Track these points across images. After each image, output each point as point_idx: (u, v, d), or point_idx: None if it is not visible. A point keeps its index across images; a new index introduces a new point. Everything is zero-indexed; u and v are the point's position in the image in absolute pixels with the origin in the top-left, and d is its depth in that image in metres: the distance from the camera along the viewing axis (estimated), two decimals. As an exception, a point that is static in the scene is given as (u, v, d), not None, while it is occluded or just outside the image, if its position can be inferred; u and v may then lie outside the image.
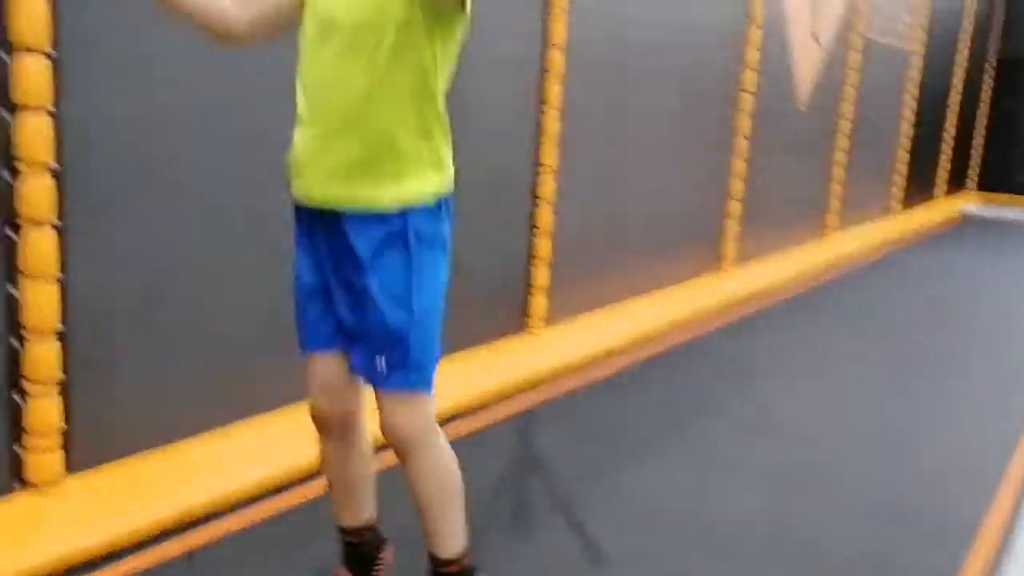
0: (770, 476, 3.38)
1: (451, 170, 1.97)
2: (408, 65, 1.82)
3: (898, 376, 4.86)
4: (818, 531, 2.97)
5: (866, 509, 3.15)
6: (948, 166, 12.09)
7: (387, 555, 2.31)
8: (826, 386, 4.56)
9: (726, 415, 4.04)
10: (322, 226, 1.93)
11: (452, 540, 2.08)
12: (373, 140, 1.83)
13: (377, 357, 1.91)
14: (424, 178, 1.89)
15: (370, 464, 2.22)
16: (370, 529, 2.26)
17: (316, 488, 2.87)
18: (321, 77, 1.86)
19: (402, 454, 1.99)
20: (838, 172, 8.38)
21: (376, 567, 2.28)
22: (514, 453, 2.95)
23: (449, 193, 1.97)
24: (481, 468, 2.96)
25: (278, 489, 2.98)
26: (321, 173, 1.88)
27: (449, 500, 2.05)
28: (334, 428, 2.10)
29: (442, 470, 2.02)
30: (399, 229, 1.86)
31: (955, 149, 12.16)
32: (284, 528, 2.78)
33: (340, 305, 1.96)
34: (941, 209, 11.56)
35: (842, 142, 8.33)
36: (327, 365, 2.03)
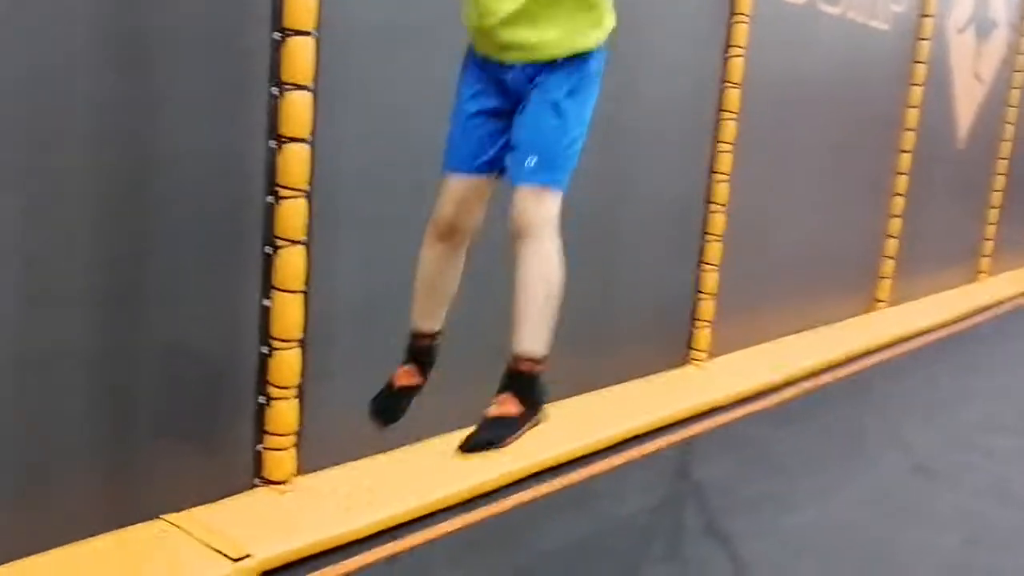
0: (944, 521, 3.37)
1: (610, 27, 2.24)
2: None
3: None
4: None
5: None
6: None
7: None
8: (982, 430, 4.51)
9: (882, 454, 4.04)
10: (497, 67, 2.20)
11: (535, 337, 2.15)
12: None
13: (529, 156, 2.14)
14: (586, 33, 2.18)
15: (459, 282, 2.43)
16: (440, 333, 2.47)
17: (523, 496, 3.03)
18: None
19: (523, 237, 2.14)
20: (993, 214, 8.16)
21: (427, 375, 2.48)
22: (674, 481, 3.03)
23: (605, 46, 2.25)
24: (642, 494, 3.07)
25: (486, 495, 3.15)
26: (496, 22, 2.13)
27: (545, 296, 2.14)
28: (455, 236, 2.32)
29: (548, 264, 2.13)
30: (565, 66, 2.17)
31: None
32: (482, 534, 2.93)
33: (501, 122, 2.24)
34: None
35: (999, 183, 8.11)
36: (469, 185, 2.29)
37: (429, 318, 2.46)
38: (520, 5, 2.08)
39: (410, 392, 2.46)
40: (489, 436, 2.09)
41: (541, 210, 2.13)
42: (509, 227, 2.14)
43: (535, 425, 2.16)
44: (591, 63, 2.21)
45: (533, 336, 2.14)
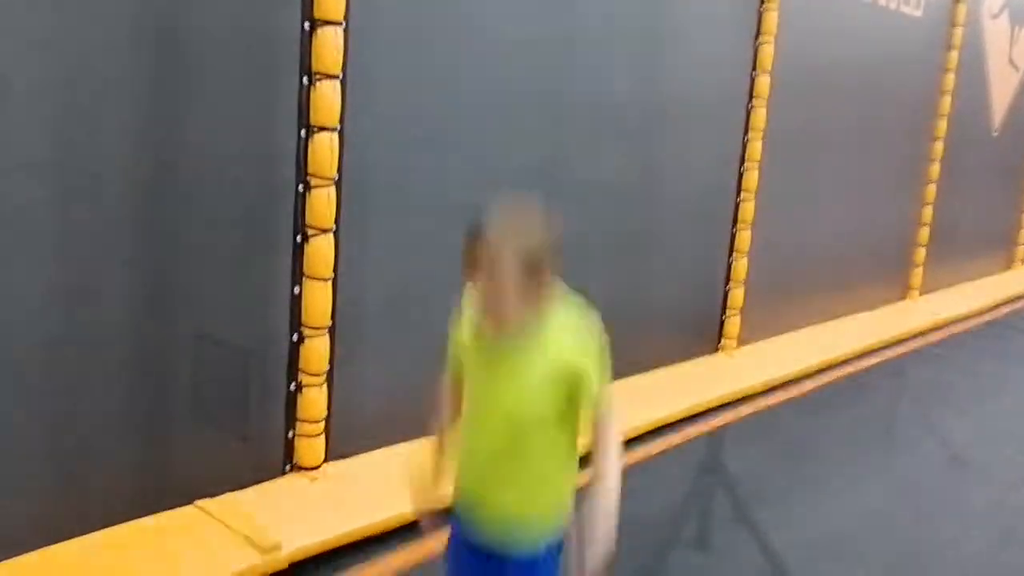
0: (977, 515, 3.33)
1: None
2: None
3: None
4: None
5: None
6: None
7: None
8: (1017, 420, 4.45)
9: (915, 444, 4.00)
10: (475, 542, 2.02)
11: None
12: (529, 485, 1.93)
13: None
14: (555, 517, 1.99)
15: None
16: None
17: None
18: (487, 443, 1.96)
19: None
20: (1029, 201, 8.04)
21: None
22: (704, 470, 3.01)
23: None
24: (671, 483, 3.06)
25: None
26: (484, 515, 1.97)
27: None
28: None
29: None
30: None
31: None
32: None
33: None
34: None
35: (1034, 170, 7.98)
36: None
37: None
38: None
39: None
40: None
41: None
42: None
43: None
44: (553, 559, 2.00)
45: None
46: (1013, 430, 4.33)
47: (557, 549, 2.02)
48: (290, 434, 2.98)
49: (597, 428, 1.91)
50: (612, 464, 1.89)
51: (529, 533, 1.98)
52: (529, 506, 1.98)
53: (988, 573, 2.94)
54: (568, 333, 1.89)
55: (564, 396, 1.87)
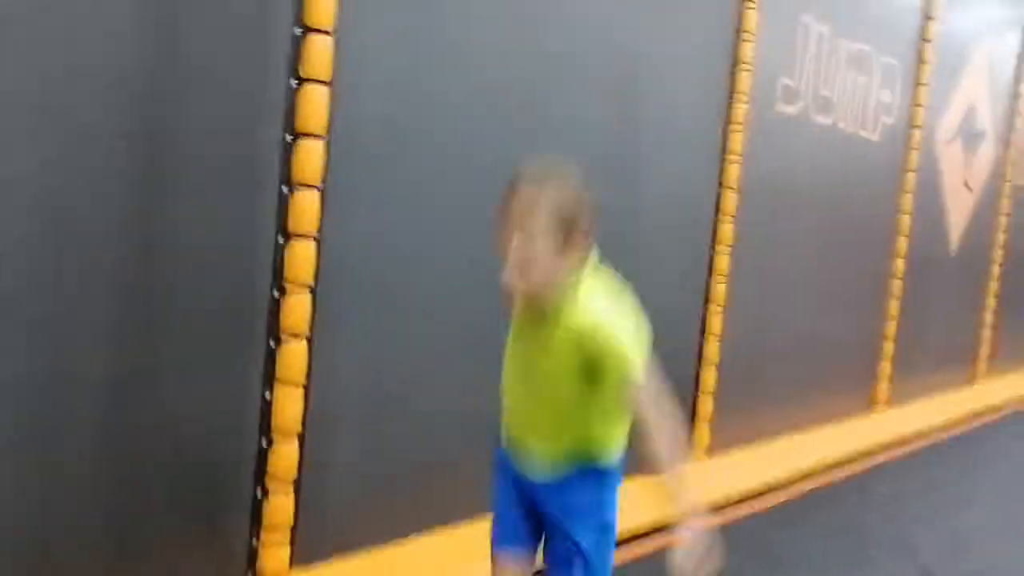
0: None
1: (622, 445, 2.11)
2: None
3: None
4: None
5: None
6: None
7: None
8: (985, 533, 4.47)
9: (887, 558, 4.00)
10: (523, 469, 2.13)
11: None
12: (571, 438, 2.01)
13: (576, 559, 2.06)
14: (607, 451, 2.06)
15: None
16: None
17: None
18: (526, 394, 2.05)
19: None
20: (988, 318, 8.24)
21: None
22: None
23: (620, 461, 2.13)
24: None
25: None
26: (530, 452, 2.07)
27: None
28: None
29: None
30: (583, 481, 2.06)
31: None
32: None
33: (529, 507, 2.16)
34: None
35: (992, 287, 8.22)
36: (515, 559, 2.19)
37: None
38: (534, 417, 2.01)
39: None
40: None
41: None
42: None
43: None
44: (607, 487, 2.09)
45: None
46: (982, 541, 4.34)
47: (600, 475, 2.02)
48: (254, 541, 2.93)
49: (637, 412, 1.86)
50: (662, 447, 1.82)
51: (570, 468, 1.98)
52: (571, 455, 1.98)
53: None
54: (596, 303, 1.81)
55: (587, 364, 1.82)
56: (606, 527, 2.14)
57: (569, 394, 1.91)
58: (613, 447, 2.08)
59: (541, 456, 2.07)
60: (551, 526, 2.14)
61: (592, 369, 1.85)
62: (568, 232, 1.76)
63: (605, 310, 1.84)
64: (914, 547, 4.14)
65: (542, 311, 1.87)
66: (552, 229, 1.74)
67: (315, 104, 2.82)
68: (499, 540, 2.22)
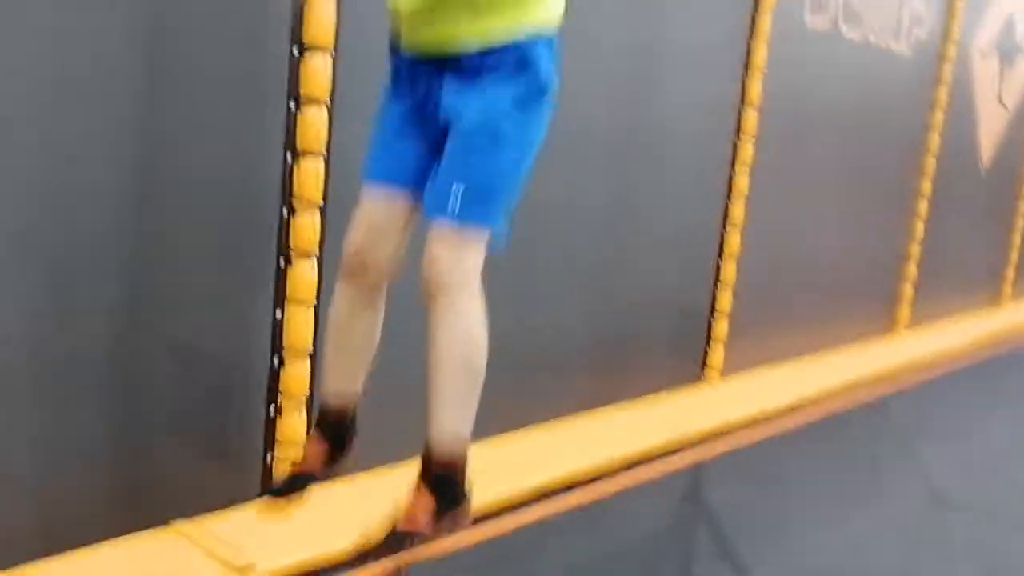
0: (961, 552, 3.33)
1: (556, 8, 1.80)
2: None
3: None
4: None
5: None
6: None
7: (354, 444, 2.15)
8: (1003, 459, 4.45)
9: (901, 482, 4.00)
10: (422, 67, 1.82)
11: (450, 427, 1.82)
12: None
13: (453, 184, 1.75)
14: (517, 13, 1.73)
15: (378, 337, 2.09)
16: (354, 408, 2.08)
17: (527, 517, 3.02)
18: None
19: (435, 295, 1.79)
20: (1018, 240, 8.08)
21: (346, 448, 2.10)
22: (685, 504, 3.00)
23: (551, 32, 1.79)
24: (652, 517, 3.06)
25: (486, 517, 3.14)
26: (414, 17, 1.77)
27: (463, 373, 1.80)
28: (367, 275, 1.96)
29: (467, 331, 1.77)
30: (498, 63, 1.74)
31: None
32: (480, 558, 2.92)
33: (428, 138, 1.85)
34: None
35: (1023, 207, 8.04)
36: (388, 201, 1.91)
37: (340, 380, 2.06)
38: None
39: (312, 480, 2.09)
40: (397, 548, 1.86)
41: (461, 260, 1.76)
42: (420, 282, 1.81)
43: (453, 530, 1.87)
44: (537, 60, 1.76)
45: (450, 425, 1.82)
46: (998, 469, 4.33)
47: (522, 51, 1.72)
48: (268, 458, 2.97)
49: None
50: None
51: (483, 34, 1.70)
52: (477, 21, 1.69)
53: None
54: None
55: None
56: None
57: None
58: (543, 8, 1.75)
59: (444, 33, 1.76)
60: (452, 110, 1.79)
61: None
62: None
63: None
64: (928, 473, 4.14)
65: None
66: None
67: (323, 15, 2.74)
68: (376, 171, 1.94)
